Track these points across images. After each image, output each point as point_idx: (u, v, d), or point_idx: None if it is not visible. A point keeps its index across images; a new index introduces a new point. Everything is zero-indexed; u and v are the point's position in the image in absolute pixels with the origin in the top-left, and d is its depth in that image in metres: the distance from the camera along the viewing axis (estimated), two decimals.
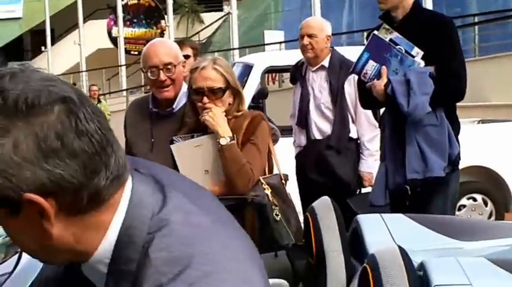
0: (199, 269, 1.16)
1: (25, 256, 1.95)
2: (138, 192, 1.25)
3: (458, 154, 4.24)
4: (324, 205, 2.99)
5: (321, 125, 5.60)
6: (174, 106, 3.90)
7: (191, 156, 3.60)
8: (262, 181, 3.57)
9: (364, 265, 2.17)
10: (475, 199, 7.28)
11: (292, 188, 4.00)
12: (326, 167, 5.53)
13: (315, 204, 3.04)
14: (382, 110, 4.72)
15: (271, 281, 3.44)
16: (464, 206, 7.24)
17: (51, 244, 1.20)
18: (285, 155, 4.58)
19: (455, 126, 4.29)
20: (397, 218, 3.02)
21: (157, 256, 1.17)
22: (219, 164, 3.53)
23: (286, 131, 6.62)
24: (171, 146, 3.64)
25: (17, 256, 1.95)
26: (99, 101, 16.03)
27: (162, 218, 1.22)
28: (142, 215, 1.22)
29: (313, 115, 5.61)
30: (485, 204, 7.32)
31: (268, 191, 3.56)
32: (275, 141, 3.96)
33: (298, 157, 5.79)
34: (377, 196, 4.44)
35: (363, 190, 5.66)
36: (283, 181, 3.66)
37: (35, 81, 1.17)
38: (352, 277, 2.77)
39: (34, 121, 1.14)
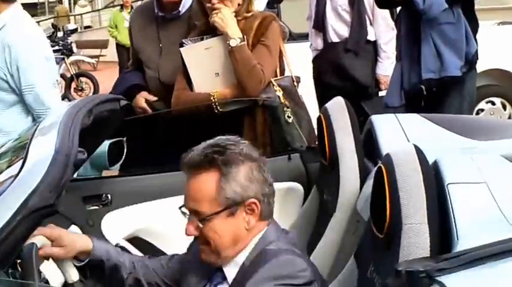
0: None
1: (29, 160, 1.93)
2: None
3: (476, 53, 4.14)
4: (337, 106, 2.93)
5: (338, 28, 5.49)
6: (180, 9, 3.80)
7: (201, 59, 3.53)
8: (274, 82, 3.50)
9: (379, 165, 2.12)
10: (493, 103, 7.19)
11: (305, 91, 3.91)
12: (343, 70, 5.44)
13: (328, 105, 2.98)
14: (398, 10, 4.60)
15: (285, 184, 3.43)
16: (482, 110, 7.15)
17: (239, 239, 2.08)
18: (300, 60, 4.50)
19: (473, 25, 4.17)
20: (412, 117, 2.96)
21: None
22: (229, 66, 3.46)
23: (302, 38, 6.52)
24: (181, 49, 3.56)
25: (21, 160, 1.93)
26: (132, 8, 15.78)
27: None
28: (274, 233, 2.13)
29: (330, 18, 5.49)
30: (504, 107, 7.23)
31: (279, 93, 3.49)
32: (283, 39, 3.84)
33: (315, 61, 5.71)
34: (392, 97, 4.37)
35: (380, 94, 5.59)
36: (295, 83, 3.59)
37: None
38: (365, 178, 2.74)
39: (253, 163, 2.10)
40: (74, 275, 2.17)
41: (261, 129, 3.50)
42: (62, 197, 1.84)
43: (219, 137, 2.18)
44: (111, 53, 16.70)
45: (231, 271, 2.11)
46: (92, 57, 16.93)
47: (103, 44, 18.37)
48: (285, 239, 2.13)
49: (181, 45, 3.56)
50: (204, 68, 3.54)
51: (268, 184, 2.12)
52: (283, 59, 3.64)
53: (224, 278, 2.12)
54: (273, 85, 3.50)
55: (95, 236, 2.38)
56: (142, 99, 3.84)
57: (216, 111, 3.49)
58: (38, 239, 2.02)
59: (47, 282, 2.35)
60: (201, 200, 2.06)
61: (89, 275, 2.32)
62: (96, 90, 13.73)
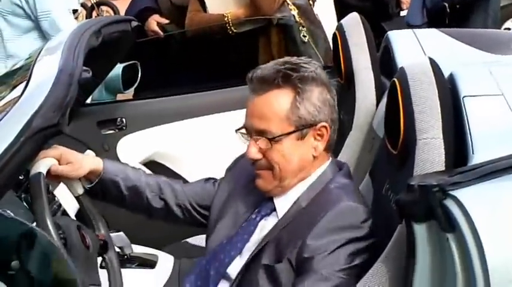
0: None
1: (33, 81, 1.89)
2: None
3: None
4: (352, 22, 2.85)
5: None
6: None
7: None
8: (289, 1, 3.42)
9: (393, 79, 2.05)
10: None
11: (322, 9, 3.82)
12: None
13: (343, 21, 2.90)
14: None
15: None
16: (508, 29, 6.97)
17: (306, 165, 2.01)
18: None
19: None
20: (430, 33, 2.86)
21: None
22: None
23: None
24: None
25: (25, 82, 1.89)
26: None
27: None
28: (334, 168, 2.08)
29: None
30: None
31: (294, 12, 3.41)
32: None
33: None
34: (414, 15, 4.27)
35: (401, 14, 5.46)
36: (311, 1, 3.50)
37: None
38: (382, 95, 2.67)
39: (326, 87, 2.03)
40: (79, 189, 2.14)
41: (276, 49, 3.44)
42: (65, 117, 1.80)
43: (288, 57, 2.07)
44: None
45: (281, 204, 2.03)
46: None
47: None
48: (342, 176, 2.05)
49: None
50: None
51: (336, 111, 2.04)
52: None
53: (274, 210, 2.04)
54: (288, 4, 3.41)
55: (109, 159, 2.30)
56: (154, 22, 3.79)
57: (230, 32, 3.42)
58: (45, 162, 2.00)
59: (59, 206, 2.36)
60: (272, 119, 1.94)
61: (102, 198, 2.24)
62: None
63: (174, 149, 3.25)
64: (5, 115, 1.79)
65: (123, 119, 3.22)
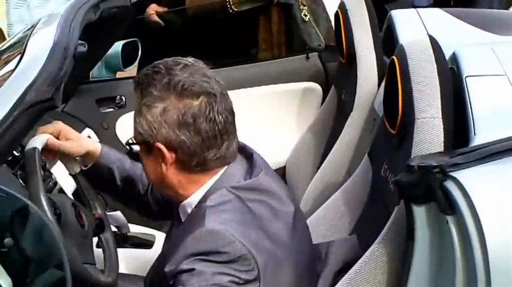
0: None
1: (27, 54, 1.86)
2: (233, 168, 1.78)
3: None
4: (355, 0, 2.81)
5: None
6: None
7: None
8: None
9: (392, 57, 2.02)
10: None
11: None
12: None
13: (345, 0, 2.86)
14: None
15: (303, 84, 3.34)
16: None
17: (163, 181, 1.78)
18: None
19: None
20: (434, 12, 2.82)
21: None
22: None
23: None
24: None
25: (20, 55, 1.86)
26: None
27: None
28: (227, 183, 1.75)
29: None
30: None
31: None
32: None
33: None
34: None
35: None
36: None
37: (197, 75, 1.71)
38: (384, 75, 2.64)
39: (182, 100, 1.68)
40: (76, 167, 2.11)
41: (276, 28, 3.41)
42: (60, 91, 1.77)
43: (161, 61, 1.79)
44: None
45: (183, 215, 1.85)
46: None
47: None
48: (229, 190, 1.74)
49: None
50: None
51: (197, 129, 1.70)
52: None
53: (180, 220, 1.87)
54: None
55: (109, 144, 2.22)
56: (153, 12, 3.75)
57: (230, 11, 3.38)
58: (41, 138, 1.97)
59: (55, 184, 2.34)
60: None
61: (95, 183, 2.15)
62: None
63: None
64: None
65: (123, 97, 3.20)
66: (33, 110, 1.72)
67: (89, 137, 3.04)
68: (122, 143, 3.17)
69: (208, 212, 1.70)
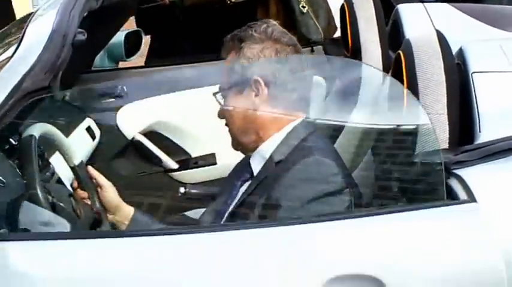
0: None
1: (25, 41, 1.83)
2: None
3: None
4: None
5: None
6: None
7: None
8: None
9: (398, 51, 1.98)
10: None
11: None
12: None
13: None
14: None
15: None
16: None
17: (249, 121, 1.94)
18: None
19: None
20: (441, 7, 2.78)
21: None
22: None
23: None
24: None
25: (17, 43, 1.82)
26: None
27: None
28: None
29: None
30: None
31: None
32: None
33: None
34: None
35: None
36: None
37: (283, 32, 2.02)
38: (389, 70, 2.60)
39: (277, 44, 1.97)
40: (75, 159, 2.08)
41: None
42: (57, 79, 1.73)
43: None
44: None
45: (255, 165, 1.99)
46: None
47: None
48: (317, 135, 1.97)
49: None
50: None
51: (288, 70, 1.97)
52: None
53: (252, 174, 1.99)
54: None
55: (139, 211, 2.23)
56: None
57: (228, 2, 3.35)
58: (39, 125, 1.94)
59: (52, 174, 2.30)
60: (222, 76, 2.02)
61: None
62: None
63: (177, 119, 3.18)
64: None
65: (124, 88, 3.14)
66: (30, 98, 1.68)
67: (89, 127, 3.02)
68: (123, 134, 3.14)
69: (312, 148, 1.90)
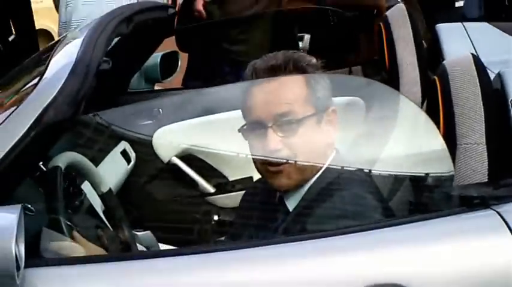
0: None
1: (49, 71, 1.80)
2: None
3: None
4: (398, 14, 2.69)
5: None
6: None
7: None
8: None
9: (433, 76, 1.90)
10: None
11: None
12: None
13: (388, 13, 2.75)
14: None
15: (346, 99, 3.23)
16: None
17: (319, 153, 1.85)
18: None
19: None
20: (482, 27, 2.70)
21: None
22: None
23: None
24: None
25: (42, 71, 1.79)
26: None
27: None
28: None
29: None
30: None
31: None
32: None
33: None
34: (471, 7, 4.09)
35: (456, 4, 5.25)
36: None
37: None
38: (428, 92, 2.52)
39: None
40: (103, 187, 2.06)
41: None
42: (80, 110, 1.69)
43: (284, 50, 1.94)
44: None
45: (291, 200, 1.88)
46: None
47: None
48: (358, 168, 1.90)
49: None
50: None
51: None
52: None
53: (287, 211, 1.88)
54: None
55: None
56: (200, 1, 3.71)
57: (332, 23, 3.39)
58: (65, 156, 1.91)
59: (82, 203, 2.27)
60: (294, 100, 1.82)
61: None
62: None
63: (213, 142, 3.12)
64: (18, 106, 1.69)
65: (160, 110, 3.11)
66: (51, 131, 1.65)
67: (124, 150, 2.99)
68: (159, 157, 3.11)
69: (349, 181, 1.83)
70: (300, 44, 3.44)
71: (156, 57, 3.33)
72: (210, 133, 3.13)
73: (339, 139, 1.93)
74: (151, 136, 3.11)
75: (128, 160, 3.01)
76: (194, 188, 3.16)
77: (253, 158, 1.90)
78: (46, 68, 1.78)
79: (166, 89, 3.54)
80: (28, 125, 1.62)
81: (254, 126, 1.84)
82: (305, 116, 1.80)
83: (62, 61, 1.80)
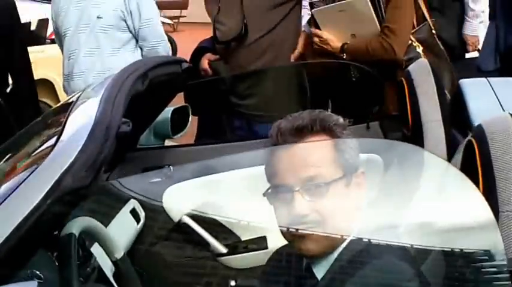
0: None
1: (66, 133, 1.70)
2: None
3: None
4: (421, 69, 2.61)
5: None
6: None
7: (335, 20, 3.41)
8: (413, 38, 3.32)
9: (469, 138, 1.81)
10: None
11: None
12: None
13: (410, 68, 2.67)
14: None
15: (363, 156, 3.13)
16: None
17: (347, 219, 1.73)
18: None
19: None
20: (507, 82, 2.62)
21: None
22: (366, 27, 3.32)
23: None
24: (313, 11, 3.47)
25: (58, 133, 1.69)
26: None
27: None
28: None
29: None
30: None
31: (419, 49, 3.31)
32: None
33: None
34: (486, 60, 4.03)
35: (467, 55, 5.20)
36: (433, 30, 3.39)
37: None
38: (454, 151, 2.42)
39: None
40: (117, 253, 1.95)
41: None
42: (100, 176, 1.59)
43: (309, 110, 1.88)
44: (191, 14, 16.58)
45: (319, 269, 1.79)
46: (171, 18, 16.87)
47: (183, 5, 18.20)
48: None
49: (312, 6, 3.49)
50: (340, 29, 3.42)
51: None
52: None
53: (316, 281, 1.79)
54: (412, 41, 3.32)
55: None
56: (205, 60, 3.70)
57: (353, 79, 3.38)
58: (79, 222, 1.80)
59: (93, 269, 2.16)
60: (321, 163, 1.73)
61: None
62: (174, 51, 13.62)
63: (226, 201, 3.02)
64: (33, 171, 1.59)
65: (171, 167, 3.03)
66: (68, 198, 1.54)
67: (134, 209, 2.89)
68: (170, 216, 3.00)
69: (382, 248, 1.71)
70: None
71: (166, 112, 3.25)
72: (222, 191, 3.04)
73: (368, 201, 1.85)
74: (162, 194, 3.01)
75: (138, 219, 2.91)
76: (206, 249, 3.05)
77: (278, 222, 1.79)
78: (62, 130, 1.68)
79: (177, 145, 3.45)
80: (44, 193, 1.51)
81: (280, 190, 1.75)
82: (333, 179, 1.72)
83: (79, 122, 1.70)
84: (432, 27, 3.36)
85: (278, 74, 3.64)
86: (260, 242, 3.06)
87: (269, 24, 3.58)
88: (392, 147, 2.38)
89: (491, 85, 2.58)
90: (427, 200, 1.93)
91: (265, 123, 3.39)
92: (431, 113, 2.49)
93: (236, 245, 3.08)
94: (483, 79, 2.65)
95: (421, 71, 2.60)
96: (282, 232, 1.80)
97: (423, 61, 2.66)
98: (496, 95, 2.53)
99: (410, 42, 3.30)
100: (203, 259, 3.05)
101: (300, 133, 1.77)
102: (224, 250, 3.05)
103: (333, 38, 3.44)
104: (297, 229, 1.73)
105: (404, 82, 2.63)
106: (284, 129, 1.79)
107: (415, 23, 3.37)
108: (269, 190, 1.79)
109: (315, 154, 1.76)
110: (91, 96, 1.89)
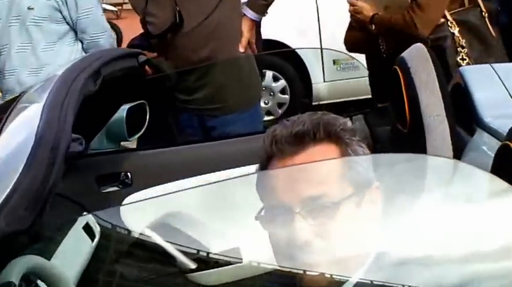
0: None
1: None
2: None
3: None
4: (418, 55, 2.29)
5: None
6: None
7: None
8: (450, 17, 3.20)
9: (505, 142, 1.50)
10: None
11: None
12: None
13: (405, 54, 2.34)
14: None
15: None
16: None
17: (363, 241, 1.47)
18: None
19: None
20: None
21: None
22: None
23: None
24: None
25: None
26: None
27: None
28: None
29: None
30: None
31: (455, 30, 3.18)
32: None
33: None
34: None
35: None
36: (485, 14, 3.23)
37: None
38: (461, 150, 2.14)
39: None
40: None
41: None
42: (45, 212, 1.21)
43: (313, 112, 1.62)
44: None
45: None
46: (114, 5, 16.67)
47: None
48: None
49: None
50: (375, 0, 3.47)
51: None
52: None
53: None
54: (448, 21, 3.20)
55: None
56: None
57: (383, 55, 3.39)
58: (20, 264, 1.44)
59: None
60: (327, 179, 1.48)
61: None
62: (119, 39, 13.43)
63: (192, 210, 2.75)
64: None
65: (128, 174, 2.77)
66: (4, 246, 1.16)
67: (87, 224, 2.58)
68: (129, 230, 2.69)
69: None
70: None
71: (121, 111, 2.93)
72: (188, 199, 2.77)
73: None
74: (119, 206, 2.70)
75: (92, 236, 2.61)
76: (172, 264, 2.76)
77: (274, 251, 1.52)
78: None
79: (134, 149, 3.15)
80: None
81: (276, 212, 1.49)
82: (342, 198, 1.44)
83: (15, 141, 1.31)
84: (484, 11, 3.18)
85: (228, 62, 3.39)
86: (233, 255, 2.79)
87: (205, 9, 3.28)
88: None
89: (496, 72, 2.29)
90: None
91: (220, 116, 3.23)
92: (432, 106, 2.20)
93: (206, 260, 2.79)
94: (486, 65, 2.38)
95: (418, 57, 2.28)
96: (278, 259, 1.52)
97: (420, 47, 2.33)
98: (502, 82, 2.24)
99: (443, 21, 3.17)
100: (170, 276, 2.83)
101: (300, 141, 1.50)
102: (193, 265, 2.78)
103: (367, 7, 3.43)
104: (304, 271, 1.47)
105: (399, 70, 2.30)
106: (280, 136, 1.51)
107: (466, 2, 3.22)
108: (262, 212, 1.51)
109: (319, 166, 1.49)
110: (32, 101, 1.50)
